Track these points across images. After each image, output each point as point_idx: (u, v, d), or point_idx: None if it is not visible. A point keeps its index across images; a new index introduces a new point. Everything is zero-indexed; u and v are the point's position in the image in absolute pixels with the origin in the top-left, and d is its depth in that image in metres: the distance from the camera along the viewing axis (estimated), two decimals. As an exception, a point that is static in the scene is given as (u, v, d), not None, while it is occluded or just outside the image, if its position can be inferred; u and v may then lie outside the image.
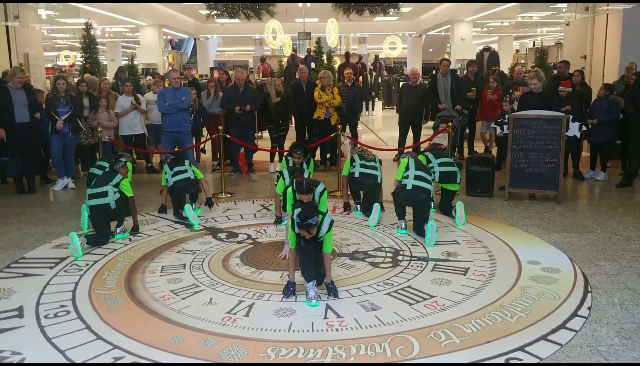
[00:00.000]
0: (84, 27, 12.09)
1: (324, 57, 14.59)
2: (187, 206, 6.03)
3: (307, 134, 9.15)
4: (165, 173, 6.29)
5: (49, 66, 21.24)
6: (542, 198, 6.88)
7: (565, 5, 13.37)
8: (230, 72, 11.94)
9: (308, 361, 3.19)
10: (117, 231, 5.57)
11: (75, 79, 11.44)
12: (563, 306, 3.83)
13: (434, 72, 11.28)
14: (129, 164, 6.09)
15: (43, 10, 12.34)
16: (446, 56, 21.05)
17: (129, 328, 3.62)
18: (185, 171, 6.25)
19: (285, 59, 17.02)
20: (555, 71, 9.59)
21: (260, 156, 9.78)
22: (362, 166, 6.09)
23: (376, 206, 5.89)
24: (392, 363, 3.17)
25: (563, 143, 6.67)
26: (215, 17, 15.29)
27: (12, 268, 4.76)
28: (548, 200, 6.79)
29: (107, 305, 3.99)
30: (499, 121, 7.48)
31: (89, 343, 3.43)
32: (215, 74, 13.05)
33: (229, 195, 7.35)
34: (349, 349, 3.31)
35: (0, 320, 3.75)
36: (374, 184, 6.08)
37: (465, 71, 11.06)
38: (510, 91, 8.93)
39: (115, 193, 5.45)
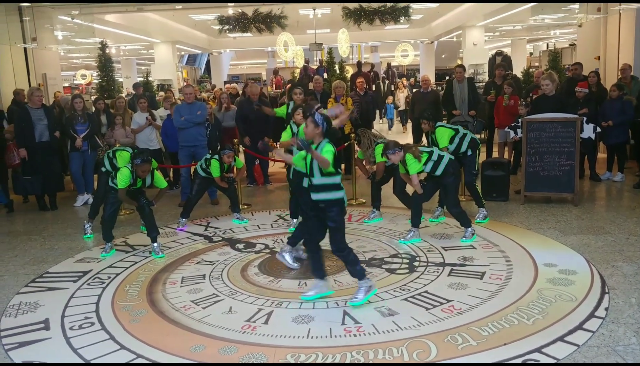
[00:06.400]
0: (99, 46, 12.36)
1: (336, 67, 14.71)
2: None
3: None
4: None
5: (66, 85, 21.69)
6: (559, 201, 6.85)
7: (577, 6, 13.31)
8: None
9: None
10: (155, 247, 5.56)
11: (92, 98, 11.70)
12: (580, 307, 3.84)
13: (447, 78, 11.26)
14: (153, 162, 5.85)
15: (59, 32, 12.66)
16: (459, 62, 21.06)
17: (151, 337, 3.71)
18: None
19: (297, 71, 17.17)
20: (567, 73, 9.47)
21: (278, 167, 9.87)
22: None
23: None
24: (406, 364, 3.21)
25: (578, 145, 6.65)
26: (227, 31, 15.55)
27: (37, 282, 4.90)
28: (564, 203, 6.76)
29: (129, 315, 4.09)
30: (513, 124, 7.48)
31: (114, 352, 3.53)
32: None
33: (246, 206, 7.44)
34: (367, 354, 3.36)
35: (28, 332, 3.88)
36: None
37: (478, 76, 11.00)
38: (531, 94, 8.83)
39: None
